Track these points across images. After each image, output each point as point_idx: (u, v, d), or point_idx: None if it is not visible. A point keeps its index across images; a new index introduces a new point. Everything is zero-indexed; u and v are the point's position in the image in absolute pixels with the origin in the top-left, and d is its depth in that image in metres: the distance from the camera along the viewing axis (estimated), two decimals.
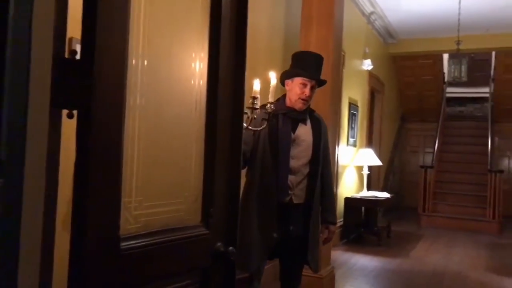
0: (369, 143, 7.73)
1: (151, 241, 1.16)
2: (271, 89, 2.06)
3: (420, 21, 7.60)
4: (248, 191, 2.46)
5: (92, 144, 0.99)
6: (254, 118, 1.98)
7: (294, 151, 2.45)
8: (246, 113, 1.99)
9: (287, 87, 2.53)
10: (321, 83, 2.52)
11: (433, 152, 9.20)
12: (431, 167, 8.44)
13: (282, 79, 2.55)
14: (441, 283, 4.53)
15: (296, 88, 2.45)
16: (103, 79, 1.01)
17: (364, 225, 6.54)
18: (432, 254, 5.83)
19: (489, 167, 8.15)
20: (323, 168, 2.56)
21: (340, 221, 6.30)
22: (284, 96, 2.57)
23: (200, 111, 1.37)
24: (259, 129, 2.21)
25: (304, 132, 2.50)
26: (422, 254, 5.80)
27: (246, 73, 1.51)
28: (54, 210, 0.98)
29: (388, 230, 6.77)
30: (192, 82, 1.34)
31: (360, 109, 7.05)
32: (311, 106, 2.59)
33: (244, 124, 1.98)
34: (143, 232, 1.16)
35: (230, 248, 1.39)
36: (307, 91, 2.43)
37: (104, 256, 1.03)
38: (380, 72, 8.20)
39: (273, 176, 2.38)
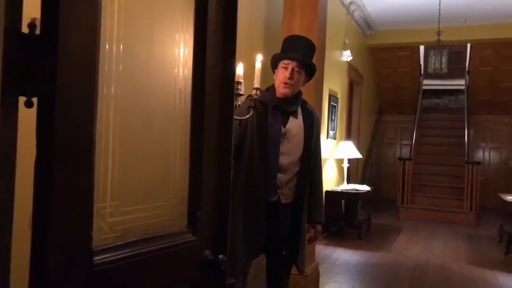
0: (348, 135, 7.66)
1: (130, 253, 0.99)
2: (256, 73, 1.89)
3: (399, 12, 7.54)
4: (233, 187, 2.28)
5: (56, 139, 0.80)
6: (238, 106, 1.81)
7: (284, 147, 2.26)
8: None
9: (274, 77, 2.35)
10: (309, 68, 2.30)
11: (411, 144, 9.21)
12: (410, 159, 8.44)
13: (272, 69, 2.38)
14: (424, 277, 4.47)
15: (279, 73, 2.28)
16: (70, 60, 0.82)
17: (344, 219, 6.46)
18: (413, 247, 5.80)
19: (466, 158, 8.20)
20: (313, 164, 2.39)
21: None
22: (273, 86, 2.38)
23: (185, 101, 1.19)
24: (244, 117, 2.02)
25: (295, 126, 2.31)
26: (403, 247, 5.76)
27: None
28: (10, 221, 0.79)
29: (368, 223, 6.73)
30: (176, 68, 1.17)
31: (340, 101, 6.96)
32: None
33: None
34: (121, 243, 0.98)
35: (220, 256, 1.22)
36: (287, 73, 2.23)
37: (73, 275, 0.85)
38: (359, 64, 8.13)
39: (261, 174, 2.20)
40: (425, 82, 10.76)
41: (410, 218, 7.96)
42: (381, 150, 10.77)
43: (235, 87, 1.77)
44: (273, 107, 2.27)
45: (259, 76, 1.88)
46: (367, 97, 9.21)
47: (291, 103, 2.30)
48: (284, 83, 2.23)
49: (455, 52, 10.62)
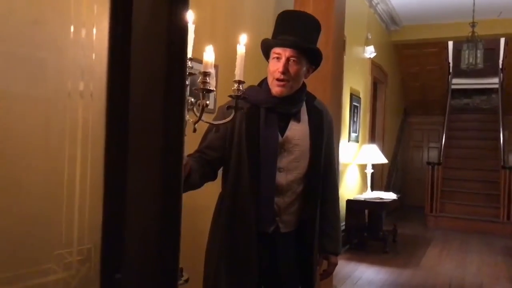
0: (372, 138, 7.08)
1: None
2: (238, 60, 1.38)
3: (426, 5, 6.92)
4: (217, 216, 1.77)
5: None
6: (206, 105, 1.30)
7: (283, 161, 1.72)
8: (193, 101, 1.32)
9: (267, 69, 1.78)
10: (311, 54, 1.71)
11: (440, 148, 8.55)
12: (439, 163, 7.78)
13: (266, 59, 1.80)
14: None
15: (270, 65, 1.71)
16: None
17: (368, 230, 5.89)
18: (445, 263, 5.19)
19: (502, 163, 7.50)
20: (324, 179, 1.84)
21: (342, 225, 5.66)
22: (267, 80, 1.81)
23: (93, 88, 0.71)
24: (221, 122, 1.48)
25: (298, 132, 1.75)
26: (434, 263, 5.16)
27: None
28: None
29: (394, 234, 6.13)
30: (72, 26, 0.68)
31: (362, 101, 6.40)
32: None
33: (198, 120, 1.34)
34: None
35: None
36: (279, 65, 1.66)
37: None
38: (383, 61, 7.54)
39: (252, 197, 1.67)
40: (454, 81, 10.04)
41: (440, 228, 7.31)
42: (407, 154, 10.11)
43: (202, 79, 1.28)
44: (267, 110, 1.71)
45: (242, 65, 1.36)
46: (392, 97, 8.59)
47: (292, 102, 1.74)
48: (277, 79, 1.67)
49: (486, 49, 9.88)
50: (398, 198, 6.12)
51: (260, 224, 1.68)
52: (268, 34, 1.81)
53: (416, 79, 9.47)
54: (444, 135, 8.68)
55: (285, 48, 1.67)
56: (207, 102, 1.29)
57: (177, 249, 0.82)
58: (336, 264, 1.88)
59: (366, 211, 5.97)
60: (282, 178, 1.71)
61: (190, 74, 1.33)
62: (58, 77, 0.67)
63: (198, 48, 1.35)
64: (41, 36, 0.65)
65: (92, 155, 0.72)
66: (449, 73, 9.72)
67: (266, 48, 1.74)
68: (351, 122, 5.91)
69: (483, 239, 6.59)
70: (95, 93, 0.72)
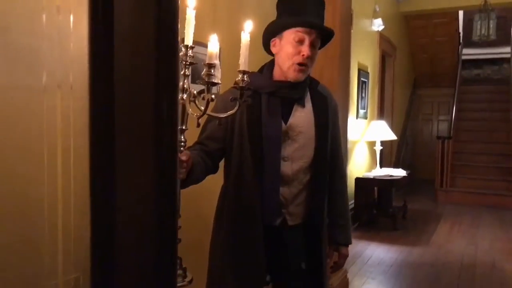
0: (381, 114, 6.95)
1: None
2: (242, 49, 1.28)
3: None
4: (221, 210, 1.70)
5: None
6: (211, 100, 1.21)
7: (287, 150, 1.63)
8: (196, 93, 1.24)
9: (274, 50, 1.65)
10: (326, 36, 1.64)
11: (450, 121, 8.40)
12: (449, 137, 7.65)
13: (266, 40, 1.67)
14: (472, 281, 3.84)
15: (288, 47, 1.58)
16: None
17: (378, 207, 5.83)
18: (456, 239, 5.14)
19: None
20: (331, 168, 1.76)
21: (351, 203, 5.62)
22: (269, 65, 1.71)
23: (72, 82, 0.63)
24: (226, 114, 1.37)
25: (303, 119, 1.66)
26: (444, 240, 5.11)
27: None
28: None
29: (404, 210, 6.07)
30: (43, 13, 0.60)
31: (371, 76, 6.25)
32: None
33: (196, 110, 1.25)
34: None
35: None
36: (305, 49, 1.55)
37: None
38: (392, 34, 7.33)
39: (256, 189, 1.58)
40: (465, 51, 9.80)
41: (450, 202, 7.24)
42: (416, 127, 9.97)
43: (207, 72, 1.19)
44: (269, 95, 1.61)
45: (246, 54, 1.26)
46: (401, 70, 8.41)
47: (295, 87, 1.63)
48: (300, 63, 1.56)
49: (497, 17, 9.61)
50: (408, 174, 6.03)
51: (266, 217, 1.61)
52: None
53: (425, 50, 9.25)
54: (454, 107, 8.52)
55: (311, 30, 1.56)
56: (213, 96, 1.20)
57: (174, 267, 0.76)
58: (347, 256, 1.82)
59: (376, 188, 5.91)
60: (287, 168, 1.63)
61: (191, 63, 1.24)
62: (36, 67, 0.59)
63: (200, 34, 1.26)
64: (15, 23, 0.57)
65: (76, 161, 0.64)
66: (460, 43, 9.47)
67: (283, 26, 1.60)
68: (359, 99, 5.79)
69: (495, 213, 6.52)
70: (76, 83, 0.64)
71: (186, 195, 1.41)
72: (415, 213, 6.37)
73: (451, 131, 8.03)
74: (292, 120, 1.64)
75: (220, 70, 1.25)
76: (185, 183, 1.41)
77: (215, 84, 1.21)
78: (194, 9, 1.20)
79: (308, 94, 1.70)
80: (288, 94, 1.64)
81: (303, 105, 1.67)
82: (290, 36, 1.58)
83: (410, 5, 7.87)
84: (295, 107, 1.66)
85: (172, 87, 0.74)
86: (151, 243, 0.72)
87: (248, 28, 1.28)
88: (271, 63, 1.70)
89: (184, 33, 1.21)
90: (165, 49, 0.72)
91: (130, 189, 0.70)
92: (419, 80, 9.87)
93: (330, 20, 3.08)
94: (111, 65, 0.66)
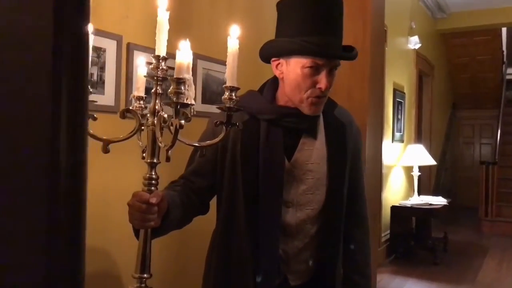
0: (418, 137, 6.51)
1: None
2: (229, 60, 0.97)
3: None
4: (209, 264, 1.38)
5: None
6: (180, 126, 0.90)
7: (291, 193, 1.29)
8: (165, 117, 0.96)
9: (277, 73, 1.30)
10: (346, 57, 1.29)
11: (494, 145, 7.82)
12: (494, 163, 7.09)
13: (266, 58, 1.34)
14: None
15: (299, 77, 1.23)
16: None
17: (415, 238, 5.37)
18: (506, 278, 4.60)
19: None
20: (349, 212, 1.39)
21: (386, 233, 5.18)
22: (270, 84, 1.37)
23: None
24: (207, 143, 1.03)
25: (312, 153, 1.32)
26: (493, 278, 4.58)
27: None
28: None
29: (445, 242, 5.56)
30: None
31: (407, 96, 5.85)
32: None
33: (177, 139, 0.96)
34: None
35: None
36: (322, 80, 1.22)
37: None
38: (429, 52, 6.92)
39: (249, 241, 1.26)
40: (509, 71, 9.22)
41: (496, 234, 6.64)
42: (456, 151, 9.38)
43: (175, 89, 0.90)
44: (269, 123, 1.29)
45: (235, 66, 0.96)
46: (440, 90, 7.94)
47: (304, 115, 1.28)
48: (318, 96, 1.25)
49: None
50: (449, 202, 5.54)
51: (262, 276, 1.26)
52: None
53: (466, 70, 8.74)
54: (499, 130, 7.94)
55: (331, 59, 1.22)
56: (182, 122, 0.90)
57: None
58: None
59: (413, 218, 5.45)
60: (290, 216, 1.29)
61: (164, 78, 0.97)
62: None
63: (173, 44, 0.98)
64: None
65: None
66: (503, 62, 8.91)
67: (291, 51, 1.24)
68: (395, 120, 5.40)
69: None
70: None
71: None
72: (457, 246, 5.83)
73: (496, 156, 7.45)
74: (299, 155, 1.31)
75: (193, 87, 0.96)
76: (158, 231, 1.12)
77: (186, 105, 0.92)
78: (167, 10, 0.93)
79: (321, 120, 1.35)
80: (294, 124, 1.30)
81: (314, 135, 1.33)
82: (301, 63, 1.22)
83: (448, 23, 7.46)
84: (302, 139, 1.32)
85: (76, 98, 0.45)
86: None
87: (234, 35, 0.97)
88: (273, 83, 1.36)
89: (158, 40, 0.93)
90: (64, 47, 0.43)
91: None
92: (459, 101, 9.33)
93: (360, 36, 2.77)
94: None
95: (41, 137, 0.44)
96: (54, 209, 0.44)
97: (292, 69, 1.24)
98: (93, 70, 1.76)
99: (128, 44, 1.91)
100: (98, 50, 1.77)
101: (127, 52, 1.91)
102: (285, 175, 1.28)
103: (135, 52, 1.93)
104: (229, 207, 1.28)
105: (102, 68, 1.77)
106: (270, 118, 1.29)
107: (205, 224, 1.43)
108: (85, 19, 0.45)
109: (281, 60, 1.27)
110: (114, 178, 1.89)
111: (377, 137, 3.13)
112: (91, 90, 1.32)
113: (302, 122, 1.30)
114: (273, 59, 1.30)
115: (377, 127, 3.02)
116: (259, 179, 1.25)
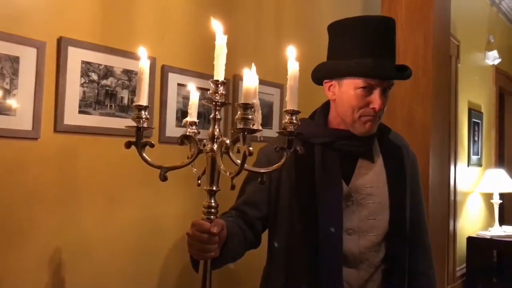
0: (499, 161, 5.94)
1: None
2: (290, 81, 0.94)
3: None
4: None
5: None
6: (249, 153, 0.88)
7: (352, 220, 1.26)
8: (230, 143, 0.98)
9: (329, 95, 1.33)
10: (399, 76, 1.29)
11: None
12: None
13: (318, 80, 1.36)
14: None
15: (352, 98, 1.25)
16: None
17: (498, 274, 4.82)
18: None
19: None
20: (411, 242, 1.34)
21: (462, 267, 4.71)
22: (322, 109, 1.39)
23: None
24: (267, 170, 0.99)
25: (371, 176, 1.31)
26: None
27: None
28: None
29: None
30: None
31: (485, 116, 5.38)
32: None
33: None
34: None
35: None
36: (376, 101, 1.23)
37: None
38: (511, 68, 6.36)
39: (309, 274, 1.21)
40: None
41: None
42: None
43: (244, 114, 0.89)
44: (324, 146, 1.28)
45: (295, 89, 0.94)
46: None
47: (359, 137, 1.29)
48: (373, 117, 1.26)
49: None
50: None
51: None
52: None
53: None
54: None
55: (384, 80, 1.25)
56: (251, 148, 0.87)
57: None
58: None
59: (495, 251, 4.91)
60: (352, 244, 1.25)
61: (223, 104, 0.98)
62: None
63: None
64: None
65: None
66: None
67: (343, 73, 1.26)
68: (471, 142, 4.96)
69: None
70: None
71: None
72: None
73: None
74: (357, 179, 1.30)
75: (260, 111, 0.97)
76: (217, 263, 1.08)
77: (253, 131, 0.90)
78: (224, 34, 0.95)
79: (377, 143, 1.34)
80: (349, 147, 1.28)
81: (371, 159, 1.31)
82: (354, 83, 1.24)
83: None
84: (359, 162, 1.32)
85: None
86: None
87: (293, 55, 0.95)
88: (324, 108, 1.39)
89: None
90: None
91: None
92: None
93: (421, 49, 2.54)
94: None
95: None
96: None
97: (345, 91, 1.27)
98: (124, 94, 1.71)
99: (163, 67, 1.85)
100: (130, 73, 1.72)
101: (161, 74, 1.85)
102: (344, 200, 1.25)
103: (170, 75, 1.87)
104: (286, 238, 1.26)
105: (133, 92, 1.72)
106: (324, 141, 1.29)
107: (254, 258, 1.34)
108: None
109: (334, 82, 1.30)
110: (167, 206, 1.84)
111: (443, 159, 2.84)
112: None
113: (359, 145, 1.30)
114: (325, 80, 1.32)
115: (443, 149, 2.74)
116: (318, 206, 1.21)
